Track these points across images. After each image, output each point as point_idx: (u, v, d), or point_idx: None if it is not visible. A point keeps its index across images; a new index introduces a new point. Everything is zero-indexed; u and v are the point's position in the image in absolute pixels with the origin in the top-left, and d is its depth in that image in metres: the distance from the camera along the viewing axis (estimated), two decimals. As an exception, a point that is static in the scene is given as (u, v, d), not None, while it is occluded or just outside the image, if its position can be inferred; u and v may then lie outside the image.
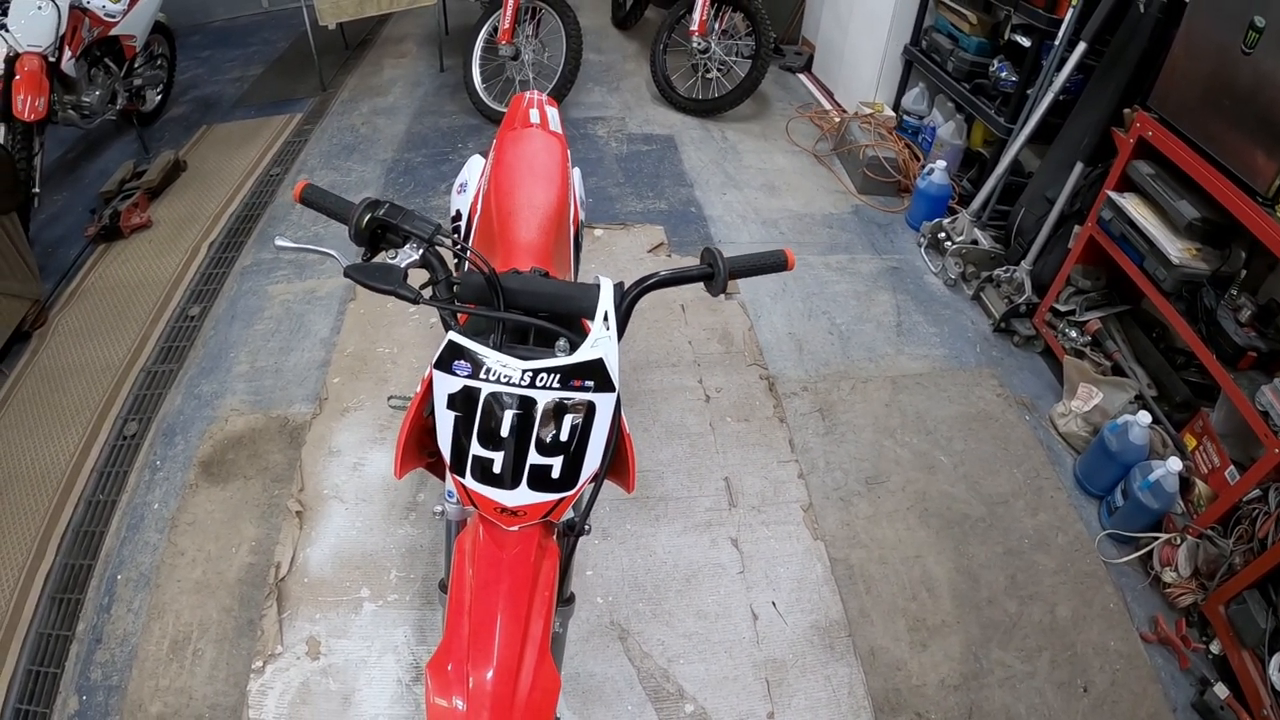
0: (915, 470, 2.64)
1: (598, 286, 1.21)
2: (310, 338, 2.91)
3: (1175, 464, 2.29)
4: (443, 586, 1.44)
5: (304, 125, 4.10)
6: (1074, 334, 2.93)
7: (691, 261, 3.35)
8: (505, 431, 1.13)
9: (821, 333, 3.14)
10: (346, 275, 1.17)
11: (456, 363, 1.12)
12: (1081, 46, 2.64)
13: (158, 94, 4.09)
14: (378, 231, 1.22)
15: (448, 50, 4.75)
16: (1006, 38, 3.10)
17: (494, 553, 1.20)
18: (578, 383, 1.12)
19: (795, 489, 2.52)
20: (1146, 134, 2.37)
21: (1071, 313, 2.92)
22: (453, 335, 1.13)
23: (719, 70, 4.05)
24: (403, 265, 1.18)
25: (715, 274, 1.25)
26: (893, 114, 3.91)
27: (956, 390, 2.95)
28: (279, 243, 1.33)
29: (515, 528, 1.21)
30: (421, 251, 1.20)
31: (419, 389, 1.38)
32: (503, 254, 1.57)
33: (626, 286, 1.25)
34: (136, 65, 3.75)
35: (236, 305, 3.05)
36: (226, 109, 4.33)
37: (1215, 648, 2.20)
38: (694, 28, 3.87)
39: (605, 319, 1.17)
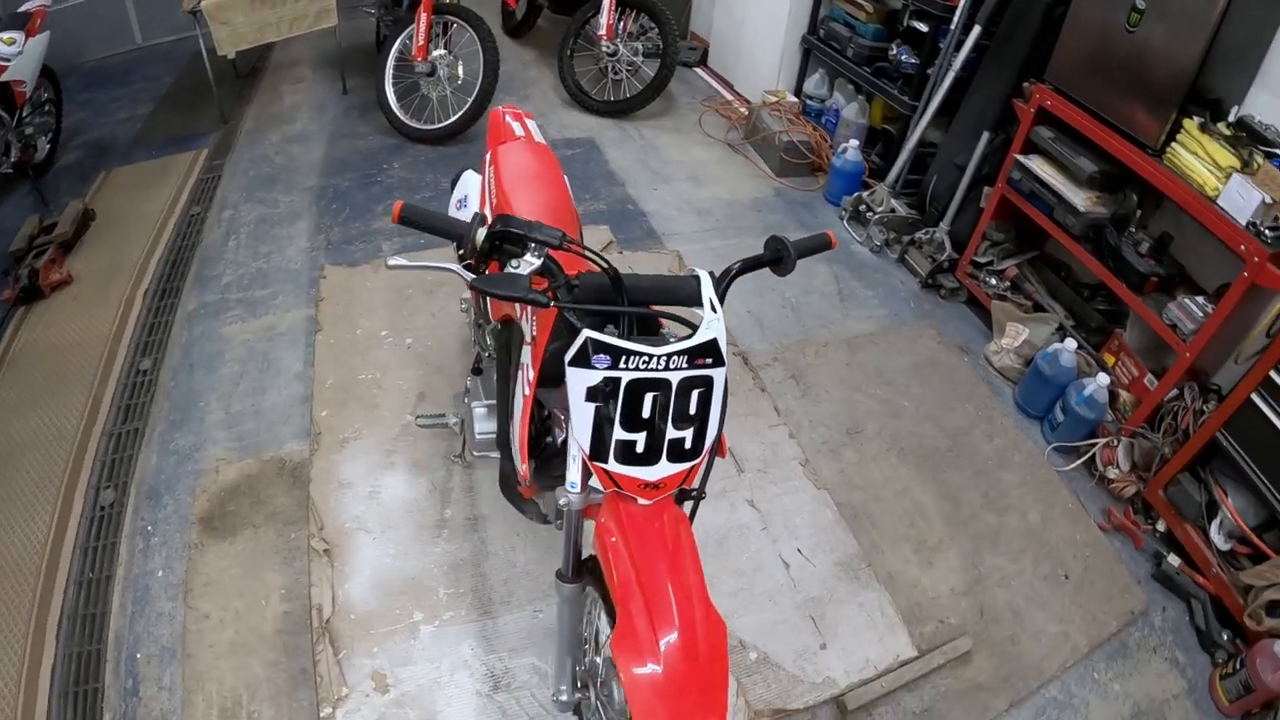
0: (885, 417, 2.92)
1: (697, 278, 1.34)
2: (283, 374, 2.82)
3: (1104, 379, 2.68)
4: (561, 576, 1.51)
5: (213, 160, 3.89)
6: (994, 281, 3.32)
7: (647, 254, 3.50)
8: (646, 413, 1.24)
9: (775, 308, 3.37)
10: (473, 288, 1.25)
11: (596, 357, 1.22)
12: (976, 30, 3.01)
13: (48, 142, 3.74)
14: (495, 244, 1.29)
15: (347, 71, 4.63)
16: (905, 24, 3.45)
17: (645, 526, 1.30)
18: (700, 361, 1.25)
19: (790, 448, 2.73)
20: (1046, 103, 2.75)
21: (989, 263, 3.31)
22: (589, 332, 1.22)
23: (627, 71, 4.20)
24: (526, 274, 1.26)
25: (785, 257, 1.42)
26: (795, 100, 4.21)
27: (903, 343, 3.26)
28: (391, 262, 1.36)
29: (651, 501, 1.31)
30: (543, 260, 1.27)
31: (525, 397, 1.45)
32: None
33: (716, 275, 1.39)
34: (26, 114, 3.43)
35: (192, 352, 2.89)
36: (123, 151, 4.03)
37: (1161, 526, 2.60)
38: (602, 31, 4.00)
39: (712, 305, 1.31)
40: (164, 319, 3.01)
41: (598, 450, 1.27)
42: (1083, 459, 2.79)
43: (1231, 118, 2.32)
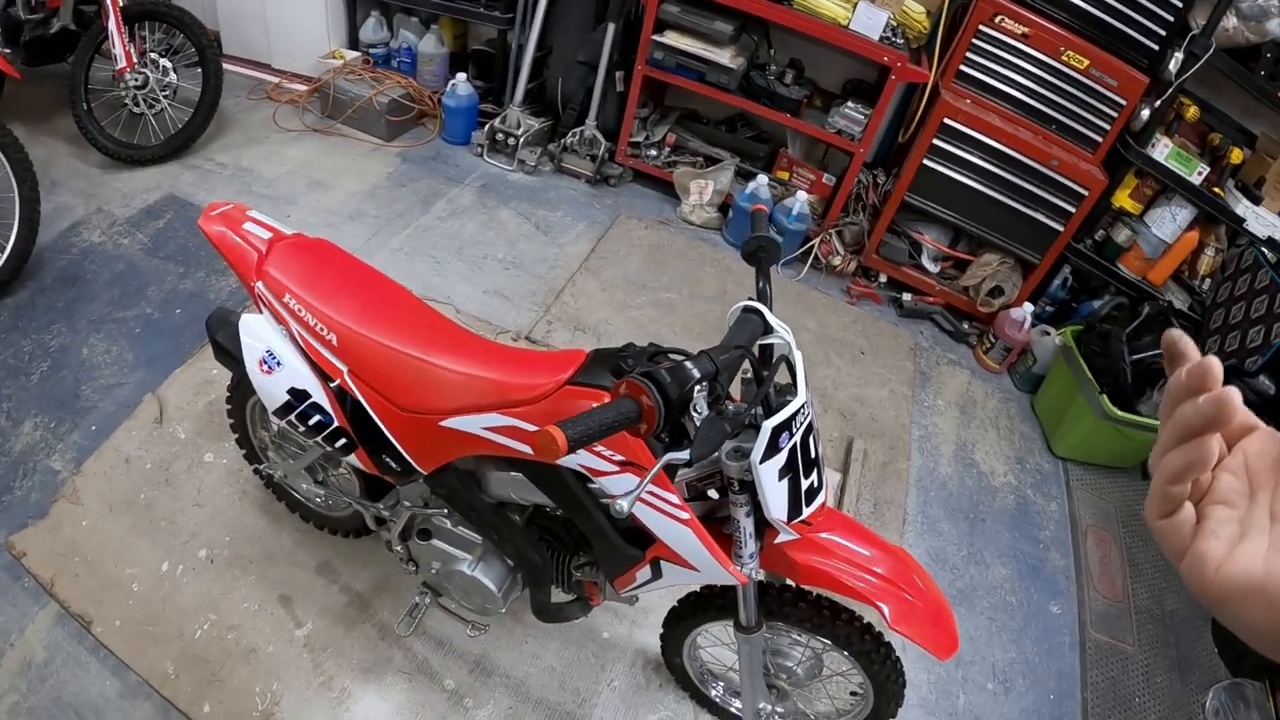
0: (667, 318, 3.10)
1: (756, 309, 1.26)
2: None
3: (802, 195, 3.20)
4: (746, 629, 1.44)
5: None
6: (654, 153, 3.58)
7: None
8: (799, 463, 1.23)
9: (499, 271, 3.19)
10: (726, 468, 1.18)
11: (781, 438, 1.14)
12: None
13: None
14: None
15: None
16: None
17: (826, 542, 1.32)
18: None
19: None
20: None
21: (645, 139, 3.53)
22: (770, 423, 1.12)
23: (166, 97, 3.18)
24: (731, 411, 1.12)
25: (771, 241, 1.39)
26: (358, 54, 3.70)
27: (621, 244, 3.40)
28: (620, 505, 1.02)
29: (812, 524, 1.33)
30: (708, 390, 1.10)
31: (688, 520, 1.26)
32: (468, 359, 1.36)
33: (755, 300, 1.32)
34: None
35: None
36: None
37: (883, 279, 3.32)
38: (121, 65, 2.92)
39: (781, 328, 1.28)
40: None
41: (794, 509, 1.22)
42: (809, 263, 3.36)
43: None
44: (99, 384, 2.28)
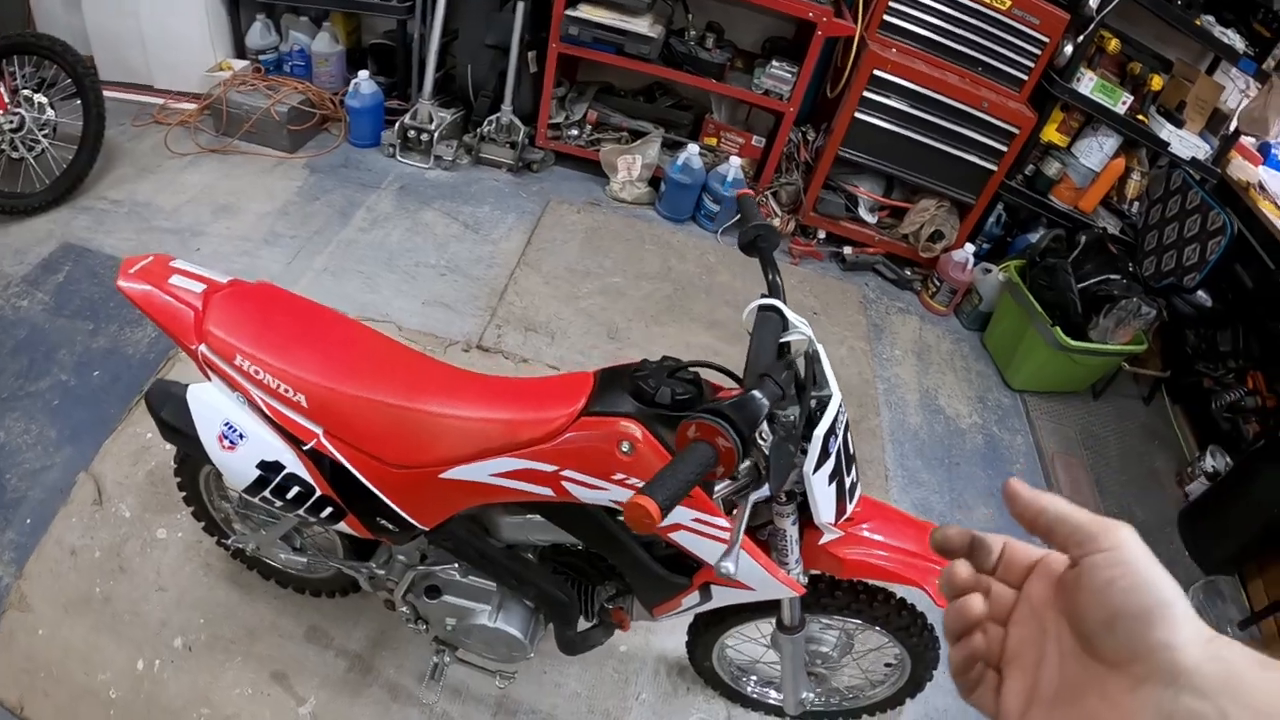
0: (618, 303, 3.03)
1: (775, 308, 1.18)
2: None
3: (735, 160, 3.14)
4: (789, 629, 1.41)
5: None
6: (575, 132, 3.45)
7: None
8: (851, 448, 1.20)
9: (435, 279, 3.04)
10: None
11: (829, 443, 1.10)
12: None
13: None
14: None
15: None
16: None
17: (861, 535, 1.30)
18: None
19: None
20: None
21: (565, 119, 3.40)
22: (820, 431, 1.07)
23: (46, 137, 2.83)
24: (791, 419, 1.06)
25: (768, 230, 1.32)
26: (247, 63, 3.40)
27: (556, 232, 3.29)
28: (726, 567, 0.95)
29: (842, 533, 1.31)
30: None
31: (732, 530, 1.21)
32: (456, 399, 1.24)
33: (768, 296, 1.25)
34: None
35: None
36: None
37: (822, 235, 3.32)
38: None
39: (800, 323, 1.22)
40: None
41: (840, 509, 1.19)
42: (748, 225, 3.32)
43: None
44: (24, 470, 2.07)
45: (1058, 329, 2.55)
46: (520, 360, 2.76)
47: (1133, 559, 0.36)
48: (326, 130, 3.59)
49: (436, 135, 3.40)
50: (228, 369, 1.30)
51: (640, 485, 1.10)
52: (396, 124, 3.42)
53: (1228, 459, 2.58)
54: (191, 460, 1.63)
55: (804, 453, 1.07)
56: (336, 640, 1.80)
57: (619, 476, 1.12)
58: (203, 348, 1.31)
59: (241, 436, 1.33)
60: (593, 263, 3.17)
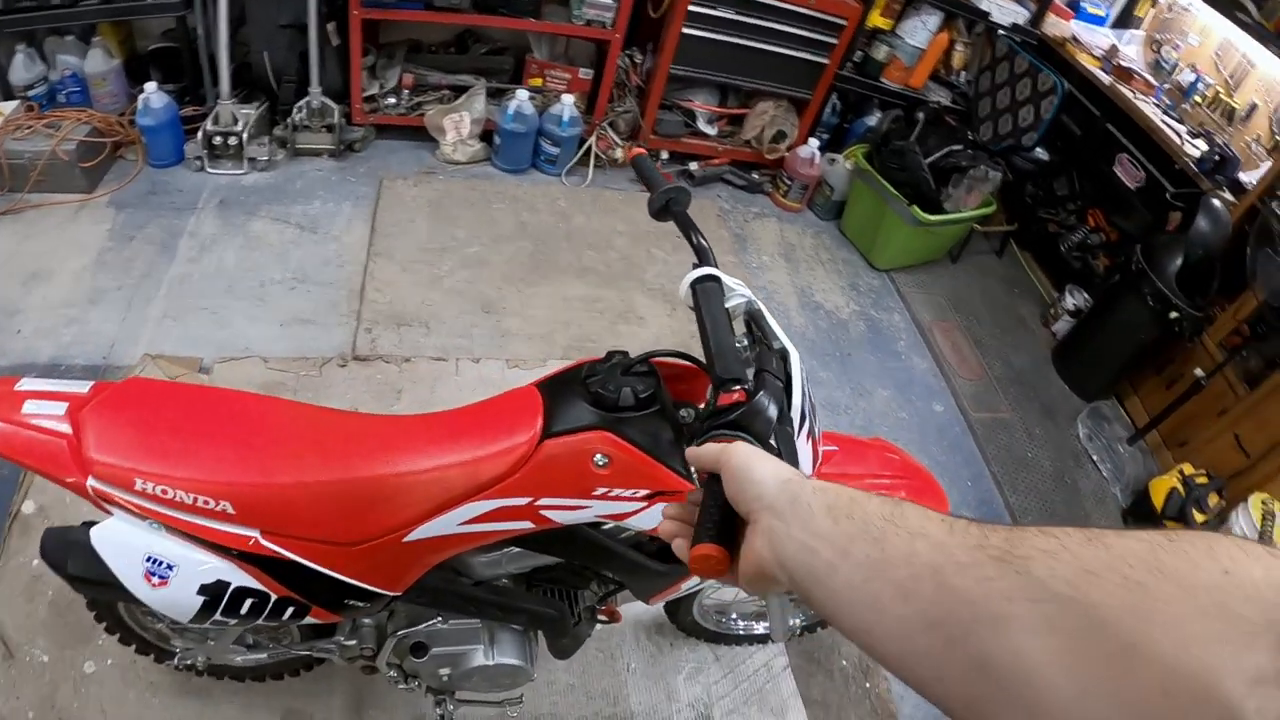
0: (475, 271, 2.92)
1: (715, 277, 1.07)
2: None
3: (567, 98, 3.01)
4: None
5: None
6: (393, 100, 3.24)
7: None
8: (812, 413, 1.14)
9: (286, 295, 2.78)
10: None
11: (805, 406, 1.02)
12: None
13: None
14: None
15: None
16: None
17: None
18: None
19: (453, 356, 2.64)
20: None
21: (379, 89, 3.18)
22: (797, 401, 0.97)
23: None
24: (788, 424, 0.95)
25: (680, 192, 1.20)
26: (16, 102, 3.00)
27: (398, 212, 3.08)
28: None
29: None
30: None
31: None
32: (398, 457, 1.14)
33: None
34: None
35: None
36: None
37: (666, 155, 3.26)
38: None
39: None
40: None
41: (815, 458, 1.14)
42: (592, 165, 3.22)
43: None
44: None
45: (915, 207, 2.62)
46: (403, 360, 2.66)
47: (736, 466, 0.59)
48: (122, 157, 3.22)
49: (245, 135, 3.10)
50: (129, 498, 1.11)
51: (627, 494, 1.07)
52: (199, 133, 3.10)
53: (1086, 295, 2.74)
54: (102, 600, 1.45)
55: (792, 424, 0.99)
56: (317, 716, 1.72)
57: (600, 491, 1.07)
58: (91, 481, 1.11)
59: (171, 568, 1.17)
60: (445, 236, 3.03)
